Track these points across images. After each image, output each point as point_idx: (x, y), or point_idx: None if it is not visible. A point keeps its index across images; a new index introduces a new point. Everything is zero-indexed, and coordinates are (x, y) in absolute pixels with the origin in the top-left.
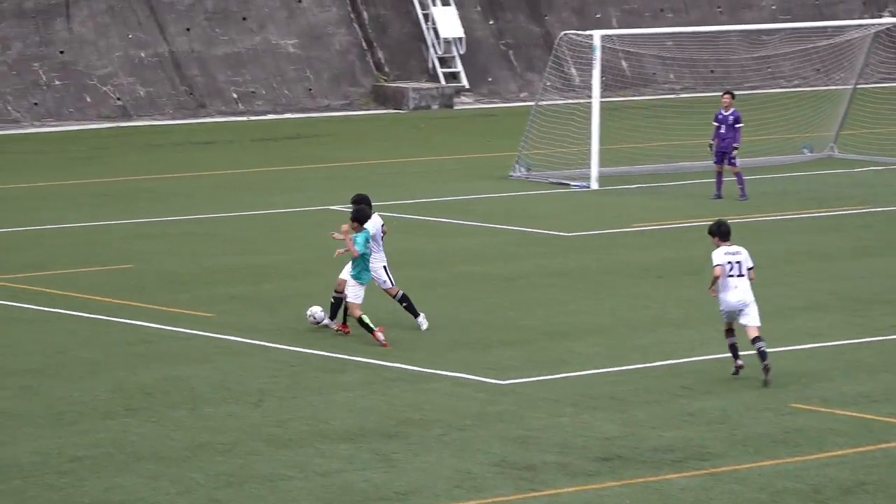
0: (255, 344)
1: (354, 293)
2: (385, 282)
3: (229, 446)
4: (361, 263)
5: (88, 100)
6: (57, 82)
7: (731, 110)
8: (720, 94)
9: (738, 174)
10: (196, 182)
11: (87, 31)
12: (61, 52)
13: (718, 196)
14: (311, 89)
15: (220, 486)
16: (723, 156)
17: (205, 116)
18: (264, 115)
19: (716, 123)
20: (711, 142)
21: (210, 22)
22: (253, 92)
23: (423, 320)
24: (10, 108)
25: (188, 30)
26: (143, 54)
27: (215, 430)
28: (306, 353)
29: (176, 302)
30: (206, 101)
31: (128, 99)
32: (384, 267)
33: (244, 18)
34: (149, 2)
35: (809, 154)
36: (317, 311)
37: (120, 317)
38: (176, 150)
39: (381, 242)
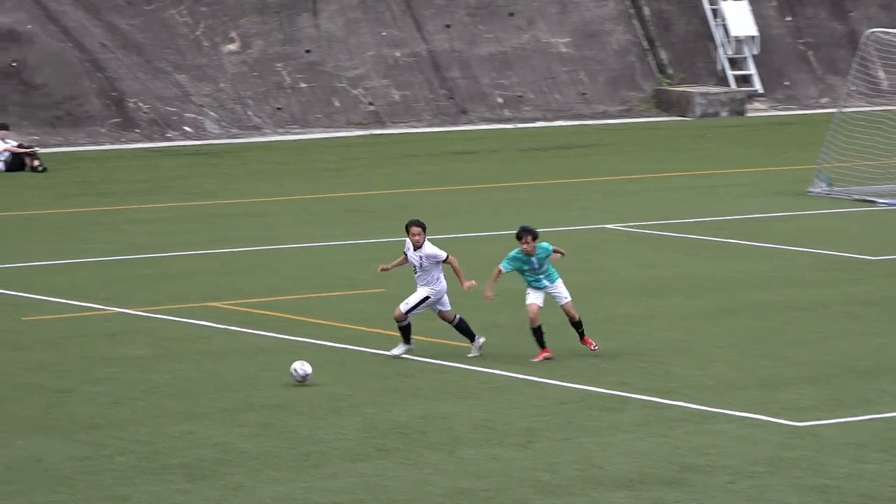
0: (522, 378)
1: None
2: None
3: (493, 493)
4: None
5: (337, 104)
6: (302, 85)
7: None
8: None
9: None
10: (455, 196)
11: (335, 29)
12: (307, 52)
13: None
14: (585, 93)
15: None
16: None
17: (466, 123)
18: (533, 122)
19: None
20: None
21: (472, 18)
22: (520, 96)
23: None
24: (250, 113)
25: (448, 27)
26: (397, 54)
27: (477, 475)
28: (580, 389)
29: (432, 331)
30: (468, 107)
31: (381, 104)
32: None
33: (511, 14)
34: None
35: None
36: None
37: (371, 347)
38: (434, 160)
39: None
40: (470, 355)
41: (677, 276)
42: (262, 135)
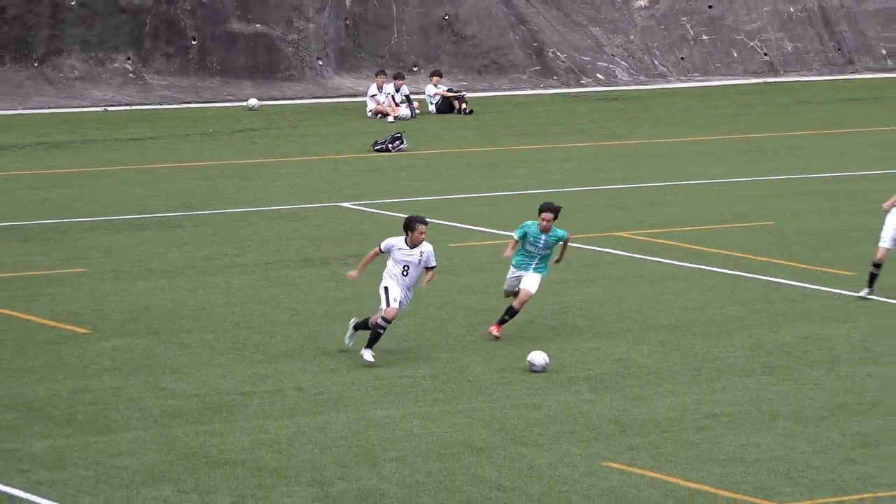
0: None
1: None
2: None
3: (867, 407)
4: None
5: (735, 55)
6: (704, 37)
7: None
8: None
9: None
10: (842, 139)
11: None
12: (709, 7)
13: None
14: None
15: (857, 447)
16: None
17: (852, 73)
18: None
19: None
20: None
21: None
22: None
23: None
24: (657, 62)
25: None
26: (791, 9)
27: (853, 390)
28: None
29: (818, 260)
30: (855, 58)
31: (775, 54)
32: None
33: None
34: None
35: None
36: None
37: (761, 274)
38: (822, 107)
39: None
40: (346, 345)
41: None
42: (667, 82)
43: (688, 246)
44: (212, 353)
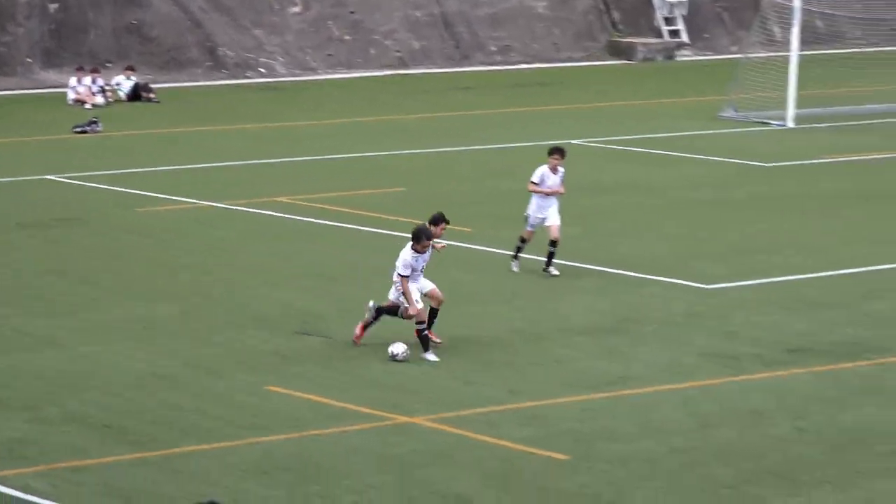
0: (508, 254)
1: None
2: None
3: (484, 337)
4: None
5: (373, 52)
6: (347, 37)
7: None
8: None
9: None
10: (458, 120)
11: None
12: (352, 13)
13: None
14: (556, 43)
15: (475, 370)
16: None
17: (468, 66)
18: (518, 65)
19: None
20: None
21: None
22: (508, 46)
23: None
24: (308, 58)
25: None
26: (418, 14)
27: (474, 325)
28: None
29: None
30: (469, 53)
31: (405, 51)
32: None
33: None
34: None
35: None
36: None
37: (393, 230)
38: (443, 94)
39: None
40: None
41: (624, 179)
42: (318, 74)
43: (338, 209)
44: None
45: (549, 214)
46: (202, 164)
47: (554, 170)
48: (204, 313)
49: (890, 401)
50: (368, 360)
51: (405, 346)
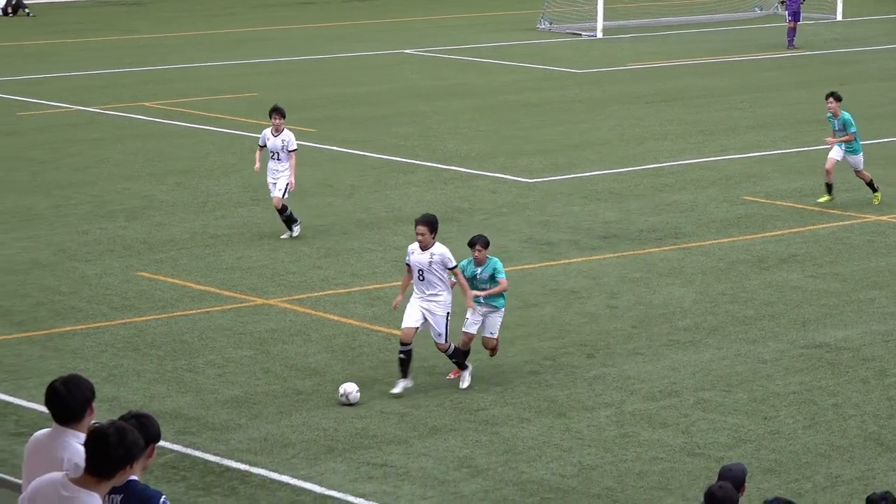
0: (348, 152)
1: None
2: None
3: (329, 227)
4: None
5: None
6: None
7: None
8: None
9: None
10: (303, 33)
11: None
12: None
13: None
14: None
15: (322, 257)
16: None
17: None
18: None
19: None
20: None
21: None
22: None
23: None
24: None
25: None
26: None
27: (318, 215)
28: (387, 159)
29: (291, 121)
30: None
31: None
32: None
33: None
34: None
35: (760, 12)
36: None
37: (247, 131)
38: (288, 8)
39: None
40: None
41: (454, 85)
42: None
43: (192, 112)
44: None
45: (277, 180)
46: (74, 73)
47: None
48: (76, 206)
49: (690, 280)
50: (224, 248)
51: (356, 387)
